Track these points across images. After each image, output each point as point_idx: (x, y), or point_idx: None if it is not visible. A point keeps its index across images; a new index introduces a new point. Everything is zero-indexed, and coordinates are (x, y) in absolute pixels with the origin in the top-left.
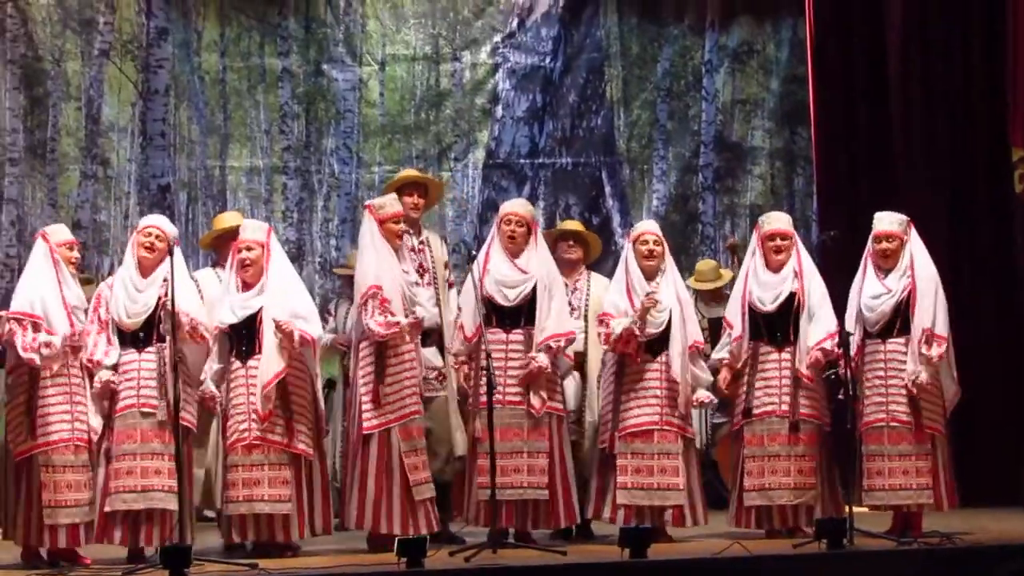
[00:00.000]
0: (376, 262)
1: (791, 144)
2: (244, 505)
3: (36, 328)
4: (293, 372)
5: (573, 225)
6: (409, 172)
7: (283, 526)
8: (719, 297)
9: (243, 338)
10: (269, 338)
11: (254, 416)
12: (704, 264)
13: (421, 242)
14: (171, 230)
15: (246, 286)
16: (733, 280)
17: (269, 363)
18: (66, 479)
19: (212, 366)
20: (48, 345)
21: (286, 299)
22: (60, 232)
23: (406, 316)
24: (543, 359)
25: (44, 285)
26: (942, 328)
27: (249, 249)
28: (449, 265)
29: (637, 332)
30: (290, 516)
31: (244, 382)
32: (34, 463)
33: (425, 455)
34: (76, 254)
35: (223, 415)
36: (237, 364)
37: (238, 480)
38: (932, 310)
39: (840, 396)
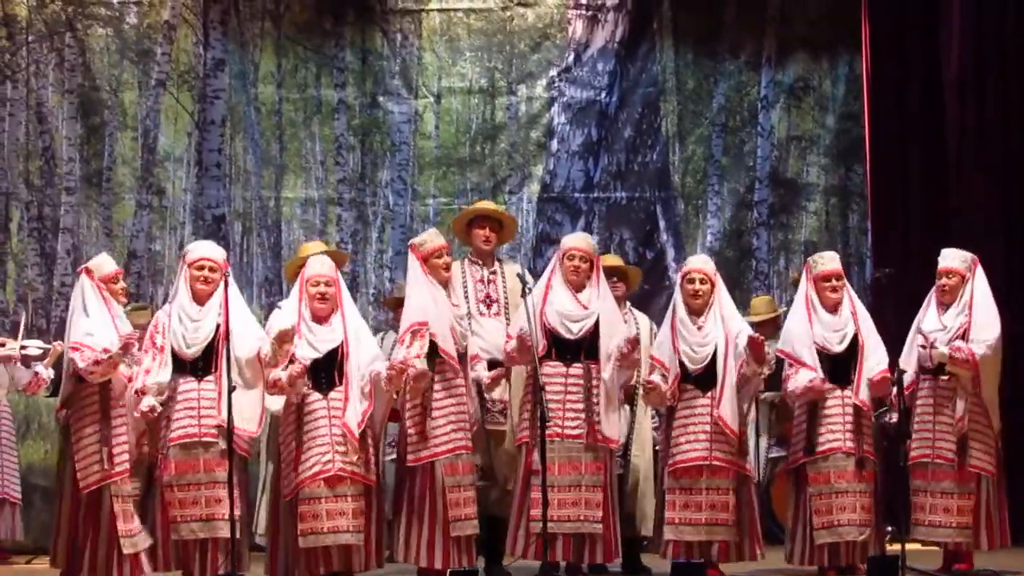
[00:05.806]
0: (419, 299)
1: (846, 181)
2: (329, 537)
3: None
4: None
5: (613, 260)
6: (483, 204)
7: (361, 556)
8: (776, 330)
9: (322, 371)
10: (356, 377)
11: (337, 448)
12: (758, 300)
13: (492, 272)
14: (222, 256)
15: (316, 319)
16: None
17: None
18: (133, 508)
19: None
20: (100, 361)
21: (368, 340)
22: (104, 265)
23: (457, 351)
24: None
25: (98, 321)
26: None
27: (328, 285)
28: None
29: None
30: (368, 547)
31: (326, 414)
32: (105, 493)
33: (472, 491)
34: (122, 284)
35: (294, 447)
36: (317, 396)
37: (320, 512)
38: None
39: (890, 420)
